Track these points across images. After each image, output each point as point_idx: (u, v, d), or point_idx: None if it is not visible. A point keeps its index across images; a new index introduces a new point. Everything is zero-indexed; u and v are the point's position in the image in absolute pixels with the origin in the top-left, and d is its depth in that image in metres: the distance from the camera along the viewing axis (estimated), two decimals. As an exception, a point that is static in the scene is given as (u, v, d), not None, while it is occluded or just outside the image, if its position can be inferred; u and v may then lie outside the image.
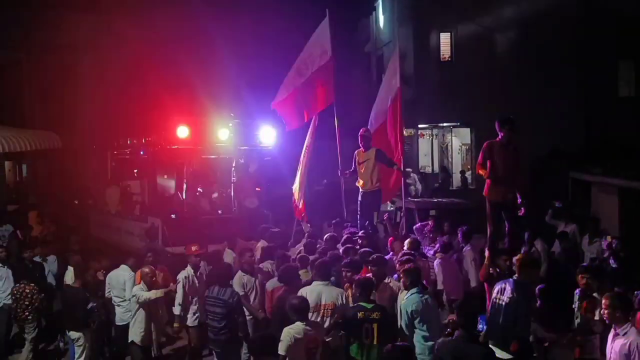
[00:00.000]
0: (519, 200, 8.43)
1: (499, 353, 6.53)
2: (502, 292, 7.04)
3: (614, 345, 5.85)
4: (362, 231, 10.82)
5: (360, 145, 11.46)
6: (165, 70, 22.38)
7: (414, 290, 7.36)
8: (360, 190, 11.47)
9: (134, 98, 22.04)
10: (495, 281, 7.90)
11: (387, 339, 6.84)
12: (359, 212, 11.53)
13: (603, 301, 5.98)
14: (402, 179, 12.71)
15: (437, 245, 10.45)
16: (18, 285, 10.05)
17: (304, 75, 12.42)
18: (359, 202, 11.54)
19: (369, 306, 7.01)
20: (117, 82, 22.95)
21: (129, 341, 8.94)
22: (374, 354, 6.86)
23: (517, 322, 6.88)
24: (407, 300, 7.34)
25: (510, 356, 6.48)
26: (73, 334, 8.82)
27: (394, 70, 12.38)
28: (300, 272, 8.81)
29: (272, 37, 23.62)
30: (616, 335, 5.87)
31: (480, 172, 8.50)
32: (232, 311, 8.15)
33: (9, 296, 10.29)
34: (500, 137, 8.45)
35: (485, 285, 8.17)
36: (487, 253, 8.43)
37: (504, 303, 6.96)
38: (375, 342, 6.85)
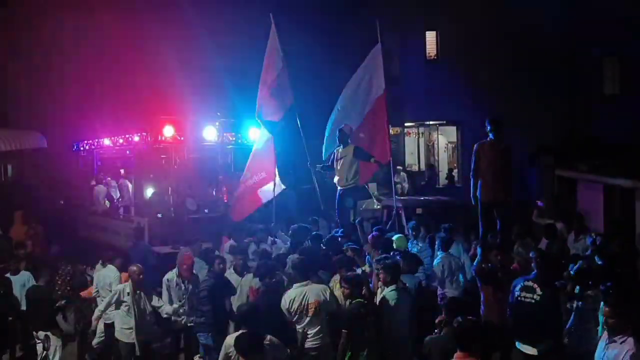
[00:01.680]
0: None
1: (527, 349, 6.87)
2: (529, 290, 7.09)
3: (608, 352, 5.76)
4: (341, 230, 10.83)
5: (338, 141, 11.45)
6: (151, 69, 22.29)
7: (393, 286, 7.43)
8: (337, 187, 11.46)
9: (120, 97, 21.94)
10: (487, 277, 8.03)
11: (378, 332, 7.00)
12: (336, 210, 11.53)
13: (605, 310, 5.87)
14: (392, 175, 12.71)
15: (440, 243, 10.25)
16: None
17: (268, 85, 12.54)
18: (336, 200, 11.54)
19: (365, 301, 7.14)
20: (102, 82, 22.85)
21: (114, 338, 8.95)
22: (373, 347, 6.95)
23: (549, 319, 6.97)
24: (387, 295, 7.41)
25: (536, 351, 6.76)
26: (40, 334, 8.75)
27: (379, 70, 12.22)
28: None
29: (260, 35, 23.54)
30: (612, 342, 5.75)
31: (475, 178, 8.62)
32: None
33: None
34: (489, 137, 8.56)
35: (479, 282, 8.20)
36: (479, 249, 8.48)
37: (533, 301, 7.02)
38: (374, 335, 6.98)
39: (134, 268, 8.95)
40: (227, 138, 14.71)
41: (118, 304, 8.80)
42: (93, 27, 22.98)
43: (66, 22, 22.65)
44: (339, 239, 10.25)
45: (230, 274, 9.31)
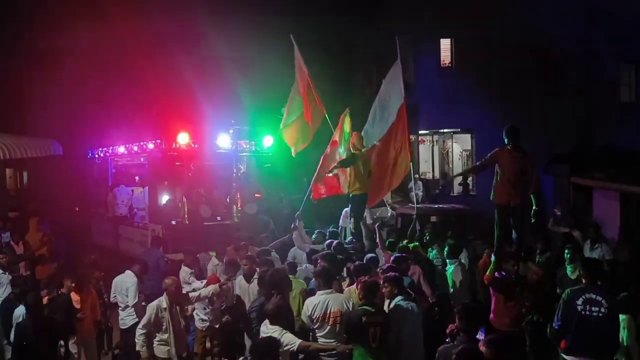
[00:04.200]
0: (534, 206, 8.46)
1: None
2: (595, 304, 6.89)
3: None
4: (349, 238, 10.85)
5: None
6: (166, 77, 22.42)
7: (399, 298, 7.39)
8: None
9: (135, 105, 22.07)
10: (499, 285, 7.94)
11: (387, 342, 6.86)
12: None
13: None
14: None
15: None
16: None
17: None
18: None
19: (373, 309, 6.99)
20: (117, 89, 23.00)
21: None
22: (382, 358, 6.83)
23: (616, 332, 6.91)
24: (398, 304, 7.35)
25: None
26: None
27: (398, 81, 12.28)
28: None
29: (274, 45, 23.63)
30: None
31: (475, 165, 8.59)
32: None
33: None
34: (507, 145, 8.53)
35: (491, 290, 8.13)
36: (493, 257, 8.40)
37: (601, 314, 6.83)
38: (379, 346, 6.82)
39: (168, 281, 8.56)
40: (241, 145, 14.75)
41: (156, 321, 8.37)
42: (109, 37, 23.16)
43: (83, 31, 22.82)
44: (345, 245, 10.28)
45: (240, 280, 9.32)
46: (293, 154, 12.80)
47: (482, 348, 5.42)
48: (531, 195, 8.52)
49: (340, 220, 13.09)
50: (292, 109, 12.92)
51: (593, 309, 6.87)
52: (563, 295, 7.19)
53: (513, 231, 8.66)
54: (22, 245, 13.11)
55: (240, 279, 9.32)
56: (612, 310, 6.86)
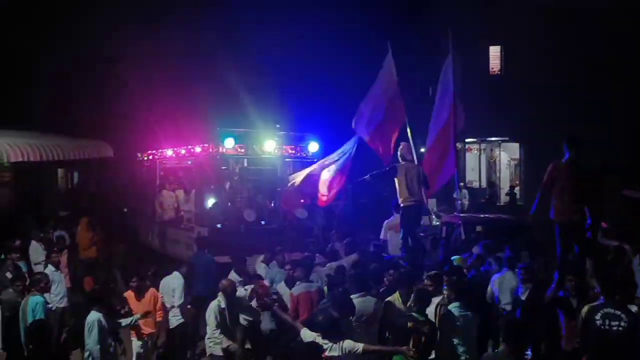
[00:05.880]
0: (589, 221, 8.27)
1: None
2: (612, 318, 6.67)
3: None
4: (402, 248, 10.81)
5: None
6: (213, 81, 22.71)
7: (457, 304, 7.33)
8: None
9: (182, 108, 22.39)
10: (560, 303, 7.76)
11: (427, 353, 6.77)
12: None
13: None
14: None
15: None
16: None
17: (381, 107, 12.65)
18: None
19: (421, 318, 6.93)
20: (166, 93, 23.36)
21: (207, 355, 8.80)
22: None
23: (636, 346, 6.61)
24: (452, 311, 7.30)
25: None
26: None
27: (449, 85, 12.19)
28: None
29: (321, 51, 23.72)
30: None
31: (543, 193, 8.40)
32: None
33: (63, 299, 10.55)
34: (566, 157, 8.36)
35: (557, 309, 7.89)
36: (556, 274, 8.24)
37: (621, 329, 6.60)
38: (418, 355, 6.68)
39: (225, 282, 8.79)
40: (286, 151, 14.83)
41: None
42: (158, 41, 23.57)
43: (132, 36, 23.29)
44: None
45: (282, 287, 9.38)
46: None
47: None
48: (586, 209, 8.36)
49: (382, 233, 13.01)
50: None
51: (612, 323, 6.63)
52: (581, 312, 6.94)
53: (575, 246, 8.49)
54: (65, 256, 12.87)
55: (282, 285, 9.39)
56: (632, 324, 6.61)
